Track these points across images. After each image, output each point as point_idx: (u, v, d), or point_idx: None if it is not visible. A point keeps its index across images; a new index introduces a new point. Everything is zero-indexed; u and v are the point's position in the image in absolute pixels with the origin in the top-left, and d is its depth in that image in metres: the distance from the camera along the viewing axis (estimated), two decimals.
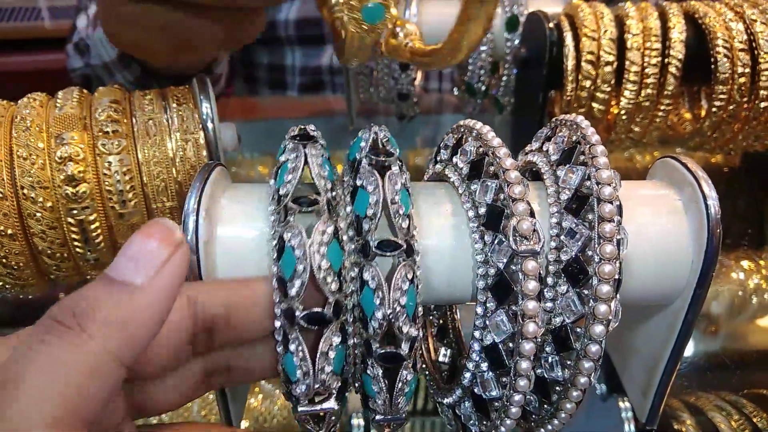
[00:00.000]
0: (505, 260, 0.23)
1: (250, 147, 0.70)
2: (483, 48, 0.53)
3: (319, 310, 0.23)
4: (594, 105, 0.46)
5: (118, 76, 0.61)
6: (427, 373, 0.32)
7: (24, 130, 0.33)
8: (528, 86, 0.49)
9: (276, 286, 0.24)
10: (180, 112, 0.35)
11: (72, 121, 0.33)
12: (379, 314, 0.22)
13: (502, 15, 0.54)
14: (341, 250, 0.24)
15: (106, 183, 0.32)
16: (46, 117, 0.33)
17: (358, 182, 0.25)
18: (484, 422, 0.25)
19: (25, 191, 0.32)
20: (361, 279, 0.23)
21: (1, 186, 0.31)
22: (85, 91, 0.36)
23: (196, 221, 0.25)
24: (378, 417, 0.25)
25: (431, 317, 0.34)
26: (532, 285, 0.22)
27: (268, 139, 0.71)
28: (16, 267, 0.33)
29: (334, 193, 0.25)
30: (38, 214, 0.32)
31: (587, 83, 0.45)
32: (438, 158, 0.29)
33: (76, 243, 0.33)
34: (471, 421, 0.25)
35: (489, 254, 0.23)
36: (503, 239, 0.23)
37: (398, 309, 0.22)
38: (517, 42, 0.53)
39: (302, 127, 0.28)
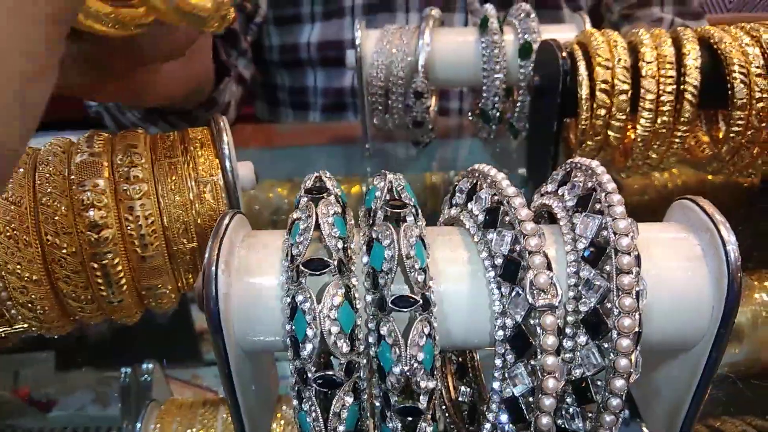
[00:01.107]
0: (522, 313, 0.23)
1: (269, 174, 0.71)
2: (497, 75, 0.53)
3: (330, 373, 0.23)
4: (610, 133, 0.46)
5: (128, 113, 0.62)
6: (446, 413, 0.32)
7: (47, 177, 0.33)
8: (542, 113, 0.49)
9: (290, 345, 0.24)
10: (199, 156, 0.36)
11: (93, 168, 0.34)
12: (396, 370, 0.23)
13: (515, 42, 0.54)
14: (353, 310, 0.24)
15: (129, 228, 0.33)
16: (68, 163, 0.34)
17: (374, 235, 0.25)
18: None
19: (49, 237, 0.32)
20: (378, 333, 0.24)
21: (26, 233, 0.32)
22: (104, 135, 0.37)
23: (216, 273, 0.26)
24: None
25: (450, 355, 0.34)
26: (551, 340, 0.22)
27: (285, 166, 0.72)
28: (41, 311, 0.33)
29: (347, 245, 0.25)
30: (62, 260, 0.33)
31: (602, 111, 0.45)
32: (453, 202, 0.30)
33: (99, 286, 0.33)
34: None
35: (507, 306, 0.23)
36: (520, 292, 0.23)
37: (416, 365, 0.23)
38: (530, 69, 0.53)
39: (318, 176, 0.28)
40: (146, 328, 0.80)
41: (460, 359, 0.34)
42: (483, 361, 0.33)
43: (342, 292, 0.24)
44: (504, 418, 0.24)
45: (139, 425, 0.56)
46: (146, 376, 0.58)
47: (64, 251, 0.33)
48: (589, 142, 0.46)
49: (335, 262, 0.24)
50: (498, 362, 0.24)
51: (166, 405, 0.59)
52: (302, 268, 0.24)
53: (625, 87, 0.45)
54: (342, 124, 0.79)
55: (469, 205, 0.27)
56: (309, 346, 0.23)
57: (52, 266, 0.33)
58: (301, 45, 0.79)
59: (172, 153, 0.36)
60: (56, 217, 0.32)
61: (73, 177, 0.34)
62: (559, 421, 0.24)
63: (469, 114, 0.60)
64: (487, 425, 0.24)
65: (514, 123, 0.55)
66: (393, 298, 0.23)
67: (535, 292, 0.22)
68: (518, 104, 0.54)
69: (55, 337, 0.37)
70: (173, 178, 0.35)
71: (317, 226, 0.25)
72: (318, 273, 0.24)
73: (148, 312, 0.39)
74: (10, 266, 0.32)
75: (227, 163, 0.36)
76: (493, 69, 0.52)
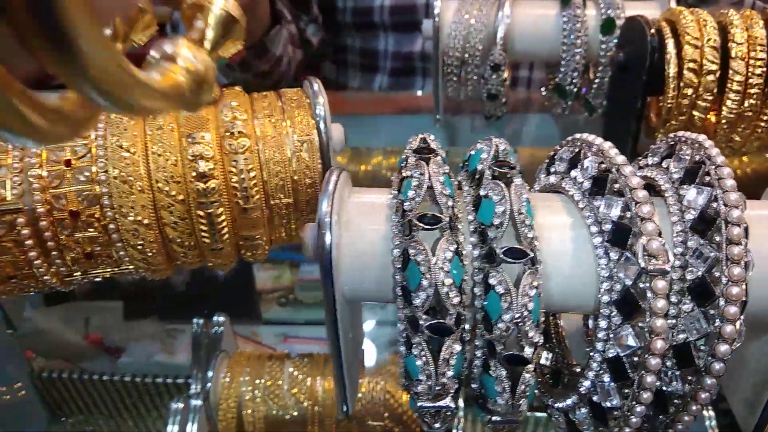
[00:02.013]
0: (633, 277, 0.23)
1: None
2: (577, 50, 0.53)
3: (442, 321, 0.25)
4: (695, 113, 0.46)
5: None
6: None
7: (157, 129, 0.35)
8: (624, 91, 0.49)
9: (400, 294, 0.26)
10: (296, 115, 0.37)
11: (201, 122, 0.35)
12: (506, 317, 0.24)
13: (598, 17, 0.53)
14: (462, 265, 0.25)
15: (233, 180, 0.35)
16: (176, 117, 0.36)
17: (482, 192, 0.26)
18: (600, 429, 0.26)
19: (160, 185, 0.34)
20: (486, 284, 0.25)
21: (140, 179, 0.34)
22: None
23: (330, 223, 0.27)
24: (495, 418, 0.27)
25: None
26: (661, 303, 0.23)
27: (350, 134, 0.73)
28: (150, 254, 0.36)
29: (454, 209, 0.27)
30: (171, 207, 0.35)
31: (689, 91, 0.45)
32: (551, 170, 0.30)
33: (203, 233, 0.35)
34: (585, 427, 0.27)
35: (614, 270, 0.24)
36: (630, 257, 0.24)
37: (525, 314, 0.24)
38: (612, 45, 0.52)
39: (423, 138, 0.30)
40: (209, 284, 0.83)
41: (544, 326, 0.35)
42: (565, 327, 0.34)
43: (453, 247, 0.25)
44: (606, 377, 0.25)
45: (210, 373, 0.59)
46: (217, 328, 0.61)
47: (173, 199, 0.35)
48: (673, 122, 0.46)
49: (447, 218, 0.25)
50: (603, 324, 0.25)
51: (234, 356, 0.62)
52: (416, 222, 0.25)
53: (714, 67, 0.45)
54: (408, 95, 0.79)
55: (572, 173, 0.28)
56: (423, 295, 0.24)
57: (161, 212, 0.35)
58: (374, 8, 0.80)
59: (271, 112, 0.37)
60: (166, 167, 0.34)
61: (182, 129, 0.35)
62: (657, 383, 0.25)
63: (542, 89, 0.60)
64: (586, 383, 0.25)
65: (590, 99, 0.55)
66: (504, 250, 0.24)
67: (647, 257, 0.23)
68: (596, 80, 0.54)
69: (154, 279, 0.40)
70: (273, 135, 0.37)
71: (429, 184, 0.26)
72: (431, 227, 0.25)
73: (210, 270, 0.41)
74: (124, 209, 0.34)
75: (322, 124, 0.38)
76: (574, 44, 0.52)
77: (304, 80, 0.40)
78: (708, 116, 0.46)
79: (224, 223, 0.35)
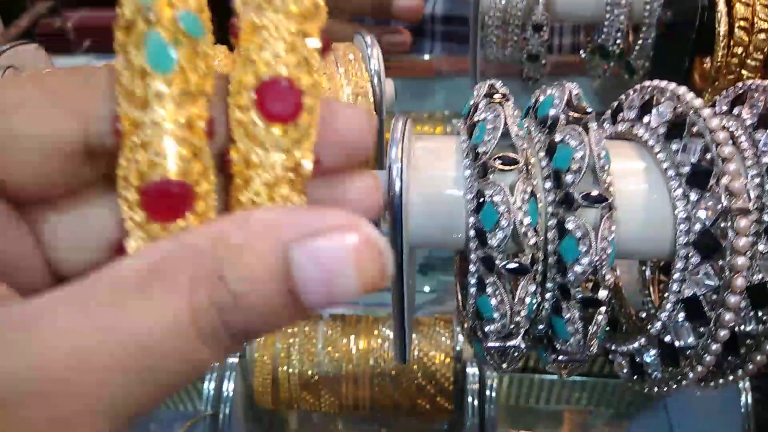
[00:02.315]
0: (713, 217, 0.24)
1: None
2: (621, 10, 0.52)
3: (519, 261, 0.25)
4: (744, 72, 0.45)
5: None
6: None
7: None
8: (671, 50, 0.48)
9: (474, 236, 0.26)
10: (350, 69, 0.37)
11: None
12: (584, 261, 0.24)
13: None
14: (537, 208, 0.26)
15: None
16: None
17: (557, 137, 0.26)
18: (670, 369, 0.26)
19: None
20: (562, 229, 0.25)
21: None
22: None
23: (401, 168, 0.27)
24: (562, 357, 0.27)
25: None
26: (743, 241, 0.23)
27: None
28: None
29: (528, 153, 0.27)
30: None
31: (739, 50, 0.45)
32: (619, 118, 0.30)
33: None
34: (653, 369, 0.27)
35: (692, 211, 0.24)
36: (711, 197, 0.24)
37: (604, 258, 0.24)
38: (656, 4, 0.52)
39: (491, 84, 0.29)
40: None
41: None
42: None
43: (530, 189, 0.25)
44: (680, 317, 0.25)
45: None
46: None
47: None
48: (721, 81, 0.46)
49: (523, 160, 0.25)
50: (679, 265, 0.25)
51: None
52: (492, 163, 0.25)
53: (765, 26, 0.44)
54: (446, 57, 0.79)
55: (645, 119, 0.28)
56: (500, 235, 0.24)
57: None
58: None
59: (326, 64, 0.37)
60: None
61: None
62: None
63: (581, 51, 0.60)
64: (657, 324, 0.26)
65: (632, 61, 0.54)
66: (583, 194, 0.24)
67: (728, 196, 0.23)
68: (639, 41, 0.53)
69: None
70: (329, 88, 0.37)
71: (505, 127, 0.26)
72: (508, 168, 0.25)
73: None
74: None
75: (376, 78, 0.38)
76: (618, 3, 0.52)
77: (356, 34, 0.40)
78: (756, 75, 0.46)
79: None
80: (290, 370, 0.61)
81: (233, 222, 0.15)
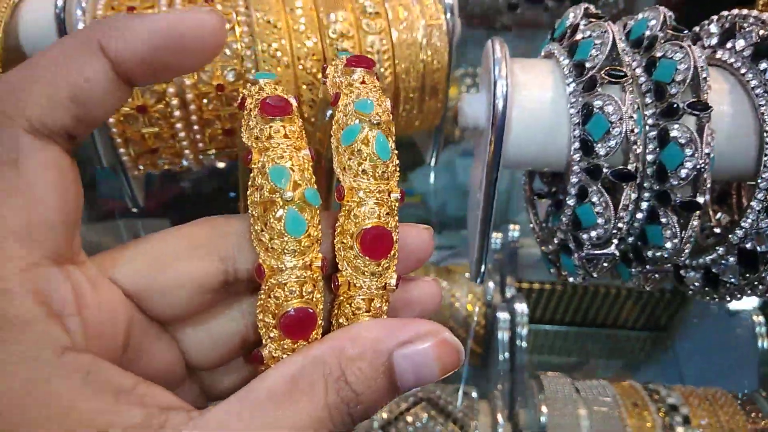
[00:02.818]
0: None
1: None
2: None
3: (625, 168, 0.27)
4: None
5: None
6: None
7: (297, 8, 0.36)
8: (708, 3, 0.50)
9: (578, 148, 0.28)
10: (425, 2, 0.38)
11: (339, 2, 0.36)
12: (689, 164, 0.26)
13: None
14: (643, 119, 0.27)
15: None
16: None
17: (658, 54, 0.28)
18: (747, 275, 0.29)
19: (302, 62, 0.35)
20: (664, 138, 0.27)
21: (286, 54, 0.35)
22: None
23: (505, 85, 0.29)
24: (650, 267, 0.29)
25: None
26: None
27: None
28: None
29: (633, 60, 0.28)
30: (311, 84, 0.36)
31: None
32: (701, 44, 0.32)
33: None
34: (731, 275, 0.29)
35: None
36: None
37: (707, 161, 0.26)
38: None
39: (585, 6, 0.31)
40: None
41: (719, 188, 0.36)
42: None
43: (639, 100, 0.27)
44: (764, 224, 0.27)
45: None
46: None
47: (314, 76, 0.36)
48: None
49: (630, 74, 0.27)
50: (766, 174, 0.27)
51: None
52: (604, 75, 0.27)
53: None
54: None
55: (729, 44, 0.30)
56: (612, 142, 0.26)
57: (301, 89, 0.36)
58: None
59: None
60: (308, 44, 0.35)
61: (321, 9, 0.36)
62: None
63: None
64: (739, 232, 0.28)
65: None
66: (687, 103, 0.26)
67: None
68: None
69: None
70: (403, 18, 0.38)
71: (613, 43, 0.28)
72: (616, 81, 0.27)
73: None
74: None
75: (449, 13, 0.39)
76: None
77: None
78: None
79: None
80: None
81: (347, 337, 0.20)
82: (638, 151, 0.26)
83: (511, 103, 0.29)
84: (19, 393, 0.16)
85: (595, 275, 0.30)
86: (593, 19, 0.29)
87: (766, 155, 0.27)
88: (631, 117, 0.26)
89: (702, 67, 0.26)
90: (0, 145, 0.18)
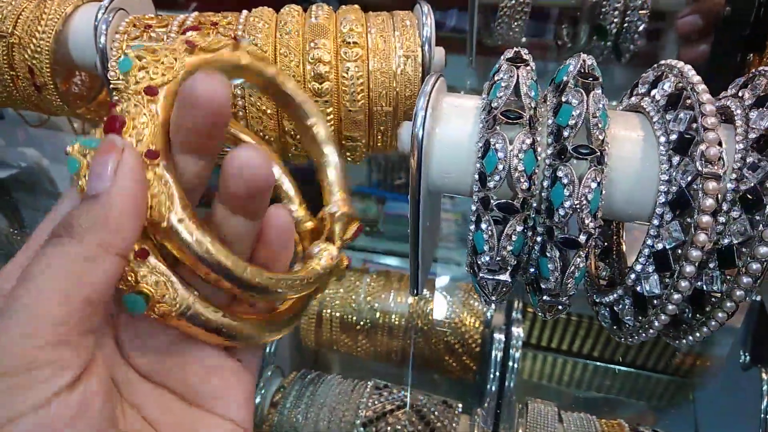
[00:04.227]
0: (688, 179, 0.26)
1: None
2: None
3: (510, 201, 0.29)
4: None
5: None
6: (587, 281, 0.36)
7: (286, 34, 0.41)
8: (725, 45, 0.49)
9: (477, 179, 0.30)
10: (404, 33, 0.42)
11: (323, 30, 0.41)
12: (567, 204, 0.27)
13: None
14: (535, 159, 0.29)
15: (344, 84, 0.40)
16: (302, 24, 0.41)
17: (563, 98, 0.29)
18: (640, 318, 0.29)
19: None
20: (554, 177, 0.29)
21: None
22: (328, 7, 0.43)
23: (424, 116, 0.31)
24: (546, 297, 0.31)
25: (597, 240, 0.38)
26: (709, 202, 0.25)
27: None
28: (269, 141, 0.42)
29: (536, 111, 0.30)
30: None
31: None
32: (634, 92, 0.33)
33: None
34: (628, 317, 0.30)
35: (673, 174, 0.27)
36: (689, 162, 0.27)
37: (584, 203, 0.27)
38: None
39: (517, 50, 0.33)
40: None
41: (606, 244, 0.38)
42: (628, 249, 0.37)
43: (529, 141, 0.29)
44: (650, 268, 0.28)
45: None
46: None
47: None
48: None
49: (528, 116, 0.29)
50: (655, 221, 0.28)
51: None
52: (500, 116, 0.29)
53: None
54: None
55: (652, 92, 0.31)
56: (497, 178, 0.28)
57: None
58: None
59: (384, 28, 0.42)
60: (291, 66, 0.40)
61: (306, 36, 0.41)
62: (698, 284, 0.28)
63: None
64: (632, 275, 0.29)
65: (620, 44, 0.56)
66: (574, 146, 0.28)
67: (703, 162, 0.26)
68: (626, 24, 0.54)
69: None
70: (382, 48, 0.41)
71: (516, 87, 0.30)
72: (512, 121, 0.29)
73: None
74: (252, 98, 0.40)
75: (426, 45, 0.42)
76: None
77: (416, 4, 0.44)
78: None
79: (331, 122, 0.41)
80: (333, 314, 0.66)
81: None
82: (524, 187, 0.28)
83: (433, 133, 0.32)
84: None
85: (493, 299, 0.32)
86: (514, 62, 0.31)
87: (657, 204, 0.28)
88: (517, 156, 0.28)
89: (595, 114, 0.28)
90: None
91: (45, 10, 0.44)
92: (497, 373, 0.61)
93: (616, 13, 0.55)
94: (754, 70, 0.31)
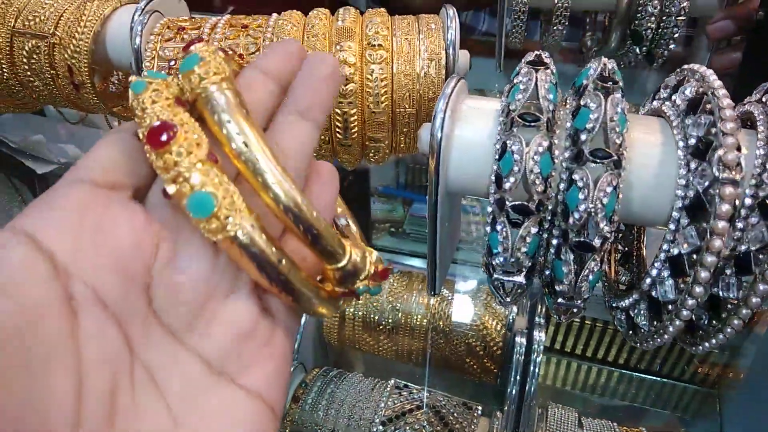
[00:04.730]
0: (705, 184, 0.26)
1: None
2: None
3: (525, 203, 0.29)
4: None
5: None
6: (605, 285, 0.36)
7: (313, 36, 0.42)
8: (755, 52, 0.48)
9: (494, 180, 0.30)
10: (429, 36, 0.42)
11: (349, 33, 0.42)
12: (581, 207, 0.28)
13: None
14: (552, 162, 0.29)
15: (368, 86, 0.41)
16: (329, 27, 0.42)
17: (582, 102, 0.30)
18: (655, 323, 0.29)
19: None
20: (570, 180, 0.29)
21: None
22: (357, 10, 0.44)
23: (443, 118, 0.32)
24: (560, 300, 0.31)
25: (618, 244, 0.38)
26: (725, 208, 0.25)
27: None
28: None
29: (554, 114, 0.30)
30: None
31: None
32: (657, 96, 0.33)
33: (337, 130, 0.42)
34: (643, 321, 0.30)
35: (691, 179, 0.27)
36: (707, 167, 0.26)
37: (599, 206, 0.27)
38: None
39: (538, 53, 0.33)
40: None
41: (627, 249, 0.38)
42: (649, 253, 0.37)
43: (546, 144, 0.29)
44: (666, 273, 0.28)
45: None
46: None
47: None
48: None
49: (545, 118, 0.29)
50: (671, 226, 0.28)
51: None
52: (517, 118, 0.29)
53: None
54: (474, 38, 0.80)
55: (673, 97, 0.30)
56: (512, 180, 0.29)
57: None
58: None
59: (409, 31, 0.43)
60: None
61: (332, 38, 0.42)
62: (714, 290, 0.28)
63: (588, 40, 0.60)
64: (648, 280, 0.29)
65: (654, 49, 0.55)
66: (591, 150, 0.28)
67: (721, 167, 0.26)
68: (660, 30, 0.53)
69: None
70: (407, 51, 0.42)
71: (535, 89, 0.30)
72: (530, 124, 0.29)
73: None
74: None
75: (451, 48, 0.42)
76: None
77: (443, 7, 0.44)
78: None
79: (355, 123, 0.42)
80: (356, 313, 0.67)
81: None
82: (539, 189, 0.28)
83: (452, 134, 0.32)
84: None
85: (508, 300, 0.32)
86: (534, 65, 0.31)
87: (674, 209, 0.28)
88: (533, 159, 0.28)
89: (613, 118, 0.28)
90: None
91: (85, 12, 0.46)
92: (518, 377, 0.61)
93: (653, 18, 0.55)
94: None
